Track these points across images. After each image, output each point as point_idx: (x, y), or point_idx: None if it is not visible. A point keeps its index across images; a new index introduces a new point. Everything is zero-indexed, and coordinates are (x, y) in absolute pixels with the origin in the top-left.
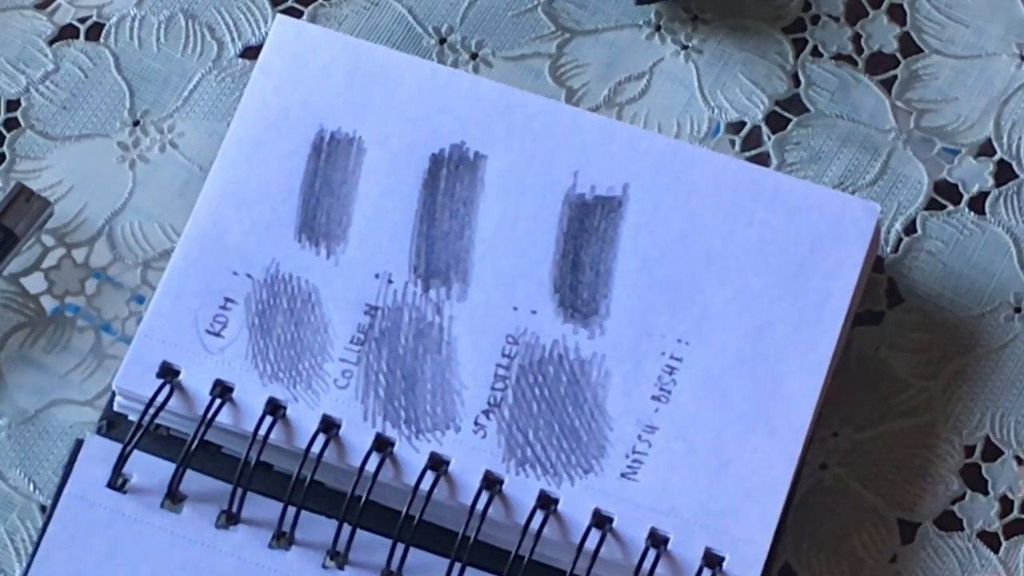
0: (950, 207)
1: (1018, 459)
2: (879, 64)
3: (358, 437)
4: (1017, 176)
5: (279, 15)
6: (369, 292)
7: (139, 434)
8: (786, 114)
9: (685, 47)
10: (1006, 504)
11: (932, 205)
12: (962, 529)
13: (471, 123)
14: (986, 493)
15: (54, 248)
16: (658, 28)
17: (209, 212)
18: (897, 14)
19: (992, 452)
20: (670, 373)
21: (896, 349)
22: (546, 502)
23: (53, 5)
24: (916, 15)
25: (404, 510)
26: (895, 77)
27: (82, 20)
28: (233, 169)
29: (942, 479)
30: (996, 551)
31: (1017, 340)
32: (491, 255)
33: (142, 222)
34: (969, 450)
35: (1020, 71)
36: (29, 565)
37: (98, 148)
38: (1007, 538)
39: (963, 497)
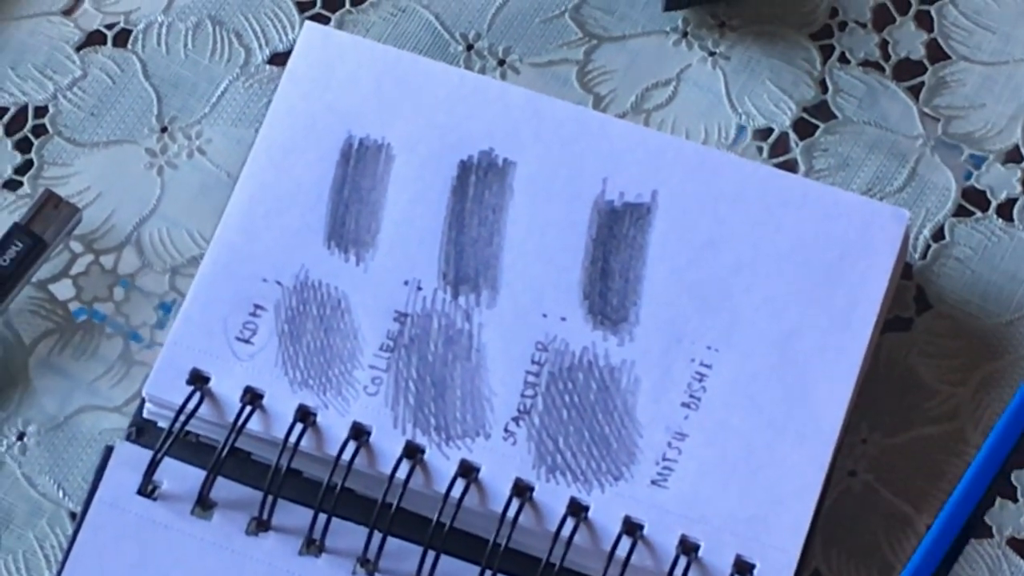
0: (978, 214)
1: None
2: (906, 70)
3: (388, 444)
4: None
5: (307, 22)
6: (398, 299)
7: (170, 441)
8: (814, 120)
9: (712, 53)
10: None
11: (960, 212)
12: (991, 536)
13: (499, 130)
14: (1015, 500)
15: (82, 254)
16: (685, 34)
17: (238, 219)
18: (924, 20)
19: (1022, 459)
20: (700, 380)
21: (925, 355)
22: (576, 509)
23: (80, 11)
24: (943, 21)
25: (435, 517)
26: (922, 83)
27: (109, 27)
28: (262, 176)
29: None
30: None
31: None
32: (520, 262)
33: (170, 228)
34: None
35: None
36: (60, 571)
37: (126, 154)
38: None
39: (993, 504)
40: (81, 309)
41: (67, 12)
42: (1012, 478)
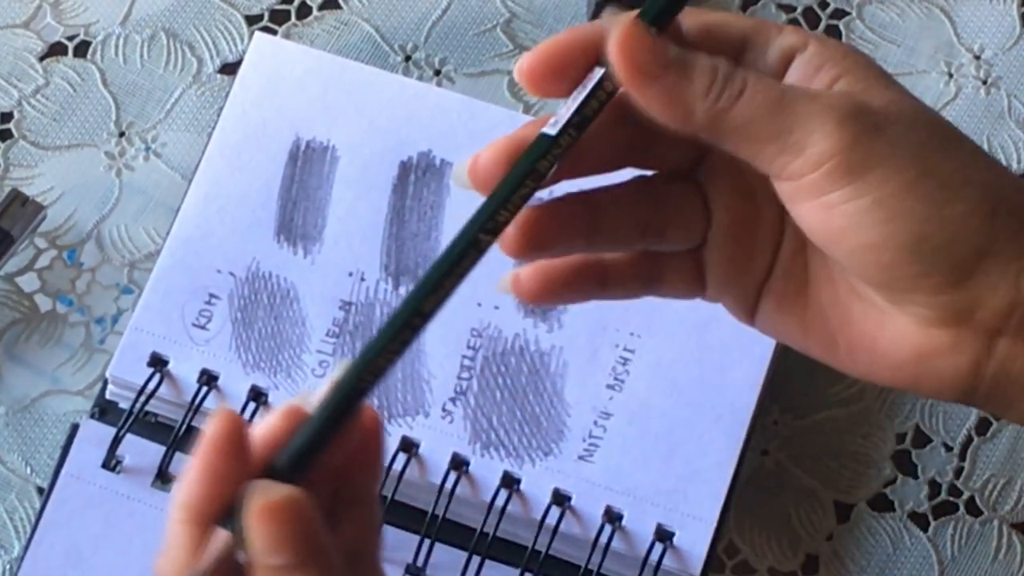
0: None
1: (946, 446)
2: None
3: None
4: None
5: (258, 32)
6: (343, 289)
7: (132, 418)
8: None
9: None
10: (934, 487)
11: None
12: (894, 510)
13: (437, 133)
14: (916, 477)
15: (47, 250)
16: None
17: (194, 214)
18: (833, 34)
19: (922, 439)
20: (623, 364)
21: None
22: (509, 482)
23: (43, 24)
24: (851, 35)
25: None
26: None
27: (70, 38)
28: (216, 175)
29: (875, 464)
30: (925, 531)
31: None
32: None
33: (128, 226)
34: (900, 437)
35: (948, 87)
36: (30, 540)
37: (86, 157)
38: (935, 519)
39: (895, 481)
40: (47, 300)
41: (29, 24)
42: (913, 457)
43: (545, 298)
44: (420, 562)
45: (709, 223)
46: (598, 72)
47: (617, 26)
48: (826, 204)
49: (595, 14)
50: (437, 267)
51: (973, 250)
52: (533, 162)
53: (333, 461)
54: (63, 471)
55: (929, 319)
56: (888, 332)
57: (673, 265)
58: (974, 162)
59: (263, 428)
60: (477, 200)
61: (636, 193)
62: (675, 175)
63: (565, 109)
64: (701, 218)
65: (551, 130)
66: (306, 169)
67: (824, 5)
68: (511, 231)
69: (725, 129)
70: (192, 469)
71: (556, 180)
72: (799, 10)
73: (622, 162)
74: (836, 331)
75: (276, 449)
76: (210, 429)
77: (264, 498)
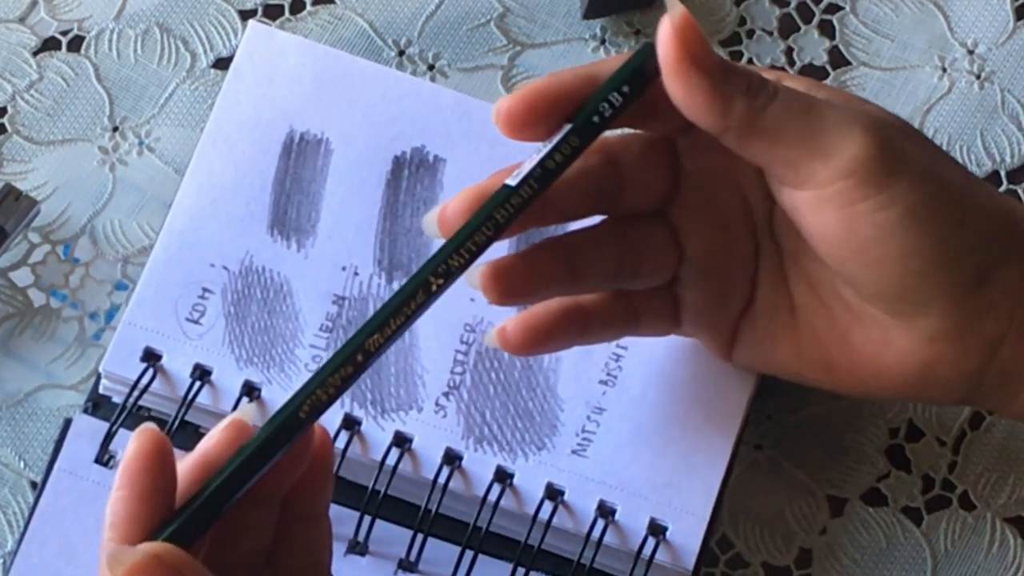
0: None
1: (939, 440)
2: (810, 75)
3: (328, 416)
4: None
5: (251, 21)
6: (336, 283)
7: (125, 413)
8: None
9: None
10: (927, 482)
11: None
12: (887, 504)
13: (431, 128)
14: (909, 472)
15: (40, 244)
16: (603, 41)
17: (187, 207)
18: (827, 29)
19: (915, 434)
20: (616, 360)
21: None
22: (502, 476)
23: (36, 18)
24: (844, 30)
25: (371, 484)
26: None
27: (64, 33)
28: (209, 167)
29: (868, 458)
30: (918, 525)
31: None
32: None
33: (121, 220)
34: (893, 432)
35: (941, 82)
36: (23, 535)
37: (80, 152)
38: (928, 513)
39: (888, 475)
40: (40, 295)
41: (24, 19)
42: (906, 451)
43: (532, 347)
44: (413, 556)
45: (681, 259)
46: (565, 128)
47: (675, 9)
48: (854, 214)
49: (588, 10)
50: (386, 306)
51: (993, 255)
52: (490, 211)
53: (283, 483)
54: (56, 466)
55: (937, 330)
56: (893, 349)
57: (648, 304)
58: (966, 170)
59: (208, 440)
60: None
61: (608, 234)
62: (640, 217)
63: (528, 161)
64: (672, 254)
65: (512, 181)
66: (300, 162)
67: (818, 0)
68: (490, 280)
69: (759, 128)
70: (115, 489)
71: (522, 229)
72: (793, 5)
73: (591, 210)
74: (836, 354)
75: (216, 464)
76: (131, 448)
77: (120, 567)
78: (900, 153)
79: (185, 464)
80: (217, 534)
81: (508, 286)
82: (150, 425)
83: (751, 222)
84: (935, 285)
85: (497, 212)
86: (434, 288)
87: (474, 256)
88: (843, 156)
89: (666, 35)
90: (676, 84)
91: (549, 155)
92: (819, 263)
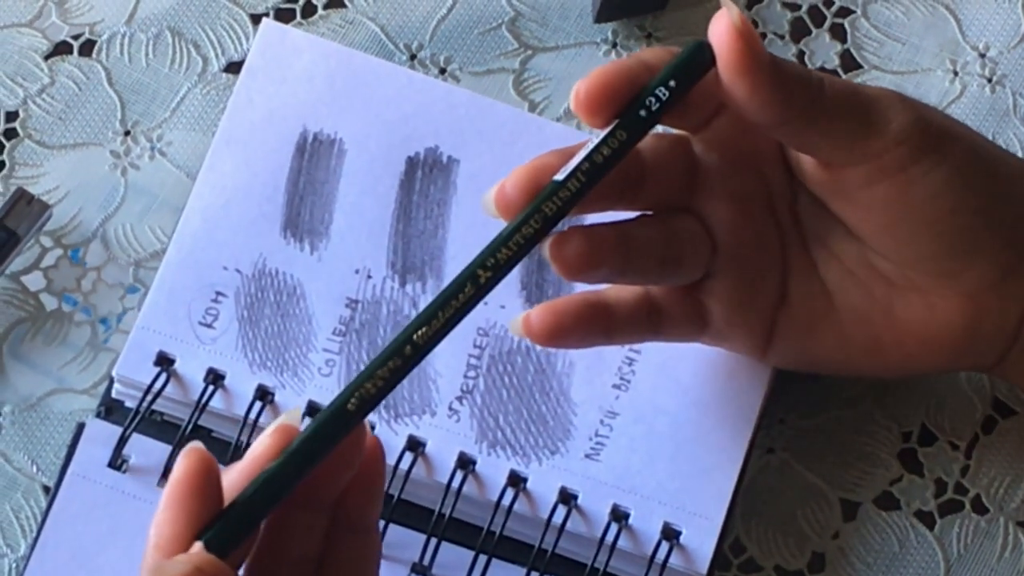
0: None
1: (952, 444)
2: None
3: None
4: None
5: (265, 19)
6: (350, 286)
7: (138, 418)
8: None
9: None
10: (940, 485)
11: None
12: (900, 508)
13: (444, 129)
14: (922, 476)
15: (52, 249)
16: (614, 45)
17: (200, 210)
18: (838, 32)
19: (928, 438)
20: (629, 364)
21: None
22: (516, 480)
23: (48, 23)
24: (856, 33)
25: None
26: None
27: (75, 37)
28: (222, 168)
29: (881, 462)
30: (931, 529)
31: None
32: (463, 253)
33: (133, 224)
34: (906, 436)
35: (953, 85)
36: (36, 539)
37: (92, 156)
38: (941, 517)
39: (900, 479)
40: (52, 300)
41: (35, 23)
42: (919, 456)
43: (554, 337)
44: (426, 561)
45: (715, 250)
46: (613, 123)
47: (734, 11)
48: (907, 180)
49: (600, 13)
50: (435, 299)
51: None
52: (538, 205)
53: (333, 486)
54: (69, 470)
55: (982, 283)
56: (939, 312)
57: (673, 308)
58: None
59: (257, 447)
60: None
61: (654, 222)
62: (673, 210)
63: (576, 157)
64: (708, 246)
65: (560, 176)
66: (313, 162)
67: (829, 3)
68: (554, 248)
69: (819, 112)
70: (161, 510)
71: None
72: (804, 8)
73: (614, 204)
74: (881, 331)
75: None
76: (178, 468)
77: None
78: (939, 120)
79: (234, 472)
80: (266, 540)
81: (574, 258)
82: (197, 444)
83: (774, 212)
84: (979, 239)
85: (545, 205)
86: (482, 280)
87: (523, 249)
88: (894, 126)
89: (729, 35)
90: (741, 82)
91: (596, 149)
92: (849, 243)
